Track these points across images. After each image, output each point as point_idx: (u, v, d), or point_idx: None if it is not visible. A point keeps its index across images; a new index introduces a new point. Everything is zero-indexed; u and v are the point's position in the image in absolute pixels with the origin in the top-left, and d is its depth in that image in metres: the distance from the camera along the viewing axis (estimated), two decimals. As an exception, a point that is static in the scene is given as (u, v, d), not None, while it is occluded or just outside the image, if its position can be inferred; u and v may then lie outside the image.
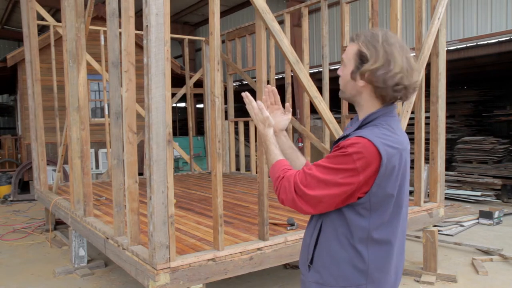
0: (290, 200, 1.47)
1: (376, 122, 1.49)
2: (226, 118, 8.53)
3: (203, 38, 9.15)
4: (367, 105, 1.53)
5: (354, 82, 1.51)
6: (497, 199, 8.31)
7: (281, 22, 5.73)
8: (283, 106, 1.84)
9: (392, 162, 1.41)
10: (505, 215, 6.99)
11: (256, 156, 7.71)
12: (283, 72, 10.23)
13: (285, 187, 1.48)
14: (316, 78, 8.22)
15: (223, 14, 14.16)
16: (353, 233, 1.46)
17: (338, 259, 1.48)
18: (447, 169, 8.46)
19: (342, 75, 1.57)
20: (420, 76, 1.55)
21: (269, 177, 1.68)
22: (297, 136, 10.82)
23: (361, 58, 1.47)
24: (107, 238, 3.78)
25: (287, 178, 1.48)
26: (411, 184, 4.48)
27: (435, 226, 4.81)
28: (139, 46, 8.65)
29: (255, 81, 3.68)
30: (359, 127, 1.51)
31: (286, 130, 1.89)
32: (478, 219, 6.76)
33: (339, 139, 1.52)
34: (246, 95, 1.72)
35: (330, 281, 1.49)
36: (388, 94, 1.47)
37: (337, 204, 1.45)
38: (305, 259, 1.59)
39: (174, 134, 15.00)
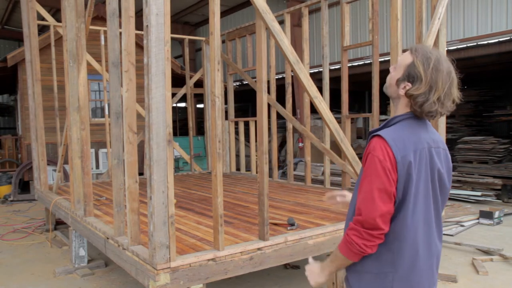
0: (368, 236, 1.58)
1: (399, 123, 1.65)
2: (226, 118, 8.53)
3: (203, 38, 9.15)
4: (401, 109, 1.69)
5: (397, 88, 1.67)
6: (497, 199, 8.31)
7: (281, 22, 5.74)
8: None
9: (407, 158, 1.56)
10: (505, 215, 6.99)
11: (256, 156, 7.72)
12: (283, 72, 10.24)
13: (355, 234, 1.59)
14: (316, 78, 8.21)
15: (223, 14, 14.17)
16: None
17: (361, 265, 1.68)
18: (447, 169, 8.45)
19: (391, 76, 1.71)
20: (455, 101, 1.66)
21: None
22: (297, 136, 10.82)
23: (409, 75, 1.61)
24: (107, 238, 3.78)
25: (348, 231, 1.62)
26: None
27: (435, 226, 4.81)
28: (139, 46, 8.64)
29: (255, 81, 3.68)
30: (384, 126, 1.68)
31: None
32: (478, 219, 6.76)
33: (370, 133, 1.70)
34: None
35: (364, 268, 1.68)
36: (421, 115, 1.64)
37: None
38: None
39: (174, 134, 15.00)
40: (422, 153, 1.60)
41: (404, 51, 1.78)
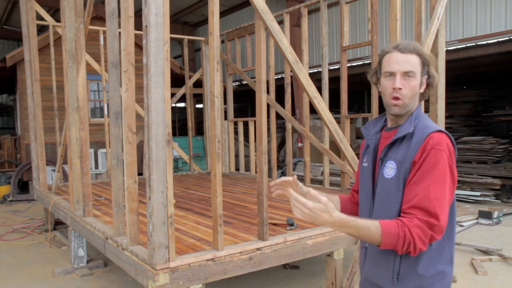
0: (429, 240, 1.45)
1: (422, 115, 1.59)
2: (225, 118, 8.53)
3: (203, 38, 9.14)
4: (412, 107, 1.61)
5: (419, 90, 1.60)
6: (496, 199, 8.31)
7: (280, 22, 5.73)
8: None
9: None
10: (504, 215, 7.00)
11: (255, 156, 7.71)
12: (282, 72, 10.23)
13: (420, 236, 1.42)
14: (316, 78, 8.22)
15: (222, 14, 14.16)
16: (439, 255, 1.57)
17: (424, 275, 1.54)
18: (446, 169, 8.44)
19: (409, 88, 1.55)
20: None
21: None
22: (296, 136, 10.83)
23: (424, 66, 1.57)
24: (107, 238, 3.78)
25: (412, 228, 1.42)
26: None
27: (434, 226, 4.81)
28: (138, 46, 8.64)
29: (255, 81, 3.68)
30: (414, 120, 1.57)
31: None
32: (477, 219, 6.76)
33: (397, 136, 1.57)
34: (292, 195, 1.40)
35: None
36: (426, 94, 1.63)
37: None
38: (390, 272, 1.58)
39: (174, 134, 14.97)
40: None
41: None
